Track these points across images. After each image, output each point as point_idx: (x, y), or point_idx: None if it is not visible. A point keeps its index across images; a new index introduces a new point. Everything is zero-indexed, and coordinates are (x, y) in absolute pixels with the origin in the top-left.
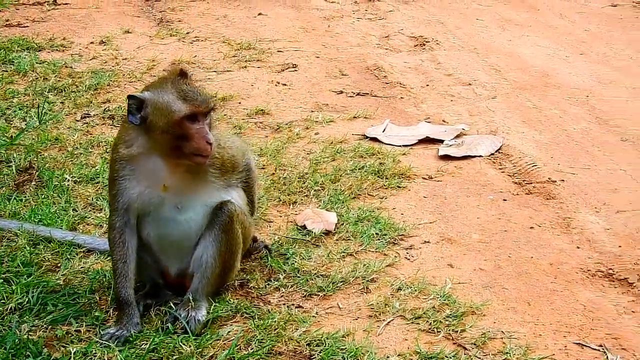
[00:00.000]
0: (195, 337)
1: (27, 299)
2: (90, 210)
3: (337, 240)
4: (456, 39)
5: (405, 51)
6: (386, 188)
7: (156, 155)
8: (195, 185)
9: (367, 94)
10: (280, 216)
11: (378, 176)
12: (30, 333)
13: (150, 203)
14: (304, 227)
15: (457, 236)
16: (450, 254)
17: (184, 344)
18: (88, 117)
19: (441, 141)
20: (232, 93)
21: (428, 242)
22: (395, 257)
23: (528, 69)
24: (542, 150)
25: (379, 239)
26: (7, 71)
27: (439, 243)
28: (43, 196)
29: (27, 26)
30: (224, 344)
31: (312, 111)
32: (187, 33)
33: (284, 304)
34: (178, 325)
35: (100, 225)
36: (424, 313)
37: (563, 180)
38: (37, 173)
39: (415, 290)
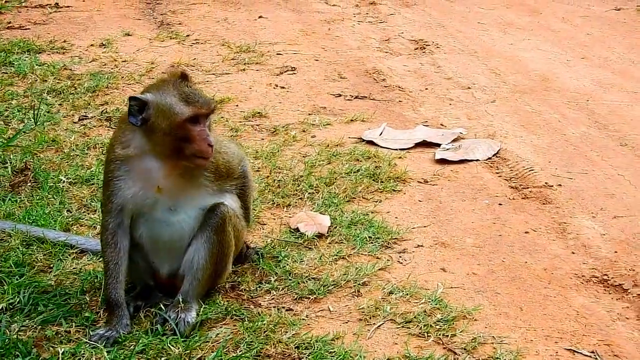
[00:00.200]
0: (184, 339)
1: (18, 299)
2: (84, 212)
3: (330, 243)
4: (457, 43)
5: (405, 54)
6: (381, 191)
7: (153, 156)
8: (188, 188)
9: (366, 97)
10: (274, 219)
11: (373, 179)
12: (20, 333)
13: (144, 204)
14: (297, 229)
15: (451, 240)
16: (443, 258)
17: (172, 346)
18: (85, 119)
19: (438, 145)
20: (229, 96)
21: (421, 246)
22: (388, 260)
23: (528, 72)
24: (540, 155)
25: (372, 243)
26: (6, 73)
27: (432, 247)
28: (38, 197)
29: (28, 28)
30: (213, 346)
31: (309, 114)
32: (187, 36)
33: (274, 307)
34: (167, 327)
35: (94, 227)
36: (415, 317)
37: (560, 185)
38: (32, 174)
39: (407, 294)
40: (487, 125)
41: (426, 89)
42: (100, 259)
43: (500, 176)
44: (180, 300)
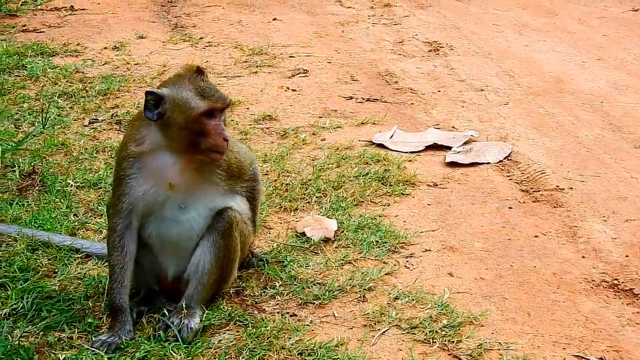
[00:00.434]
0: (186, 345)
1: (21, 305)
2: (91, 216)
3: (336, 247)
4: (471, 44)
5: (419, 57)
6: (390, 195)
7: (168, 152)
8: (200, 186)
9: (377, 99)
10: (281, 223)
11: (382, 183)
12: (22, 339)
13: (155, 202)
14: (304, 234)
15: (459, 244)
16: (451, 263)
17: (174, 352)
18: (96, 122)
19: (449, 148)
20: (240, 98)
21: (429, 250)
22: (395, 265)
23: (543, 74)
24: (552, 158)
25: (378, 247)
26: (19, 76)
27: (440, 251)
28: (45, 201)
29: (43, 31)
30: (215, 352)
31: (320, 117)
32: (200, 38)
33: (279, 312)
34: (170, 333)
35: (100, 231)
36: (420, 323)
37: (571, 188)
38: (39, 178)
39: (413, 299)
40: (499, 128)
41: (439, 91)
42: (105, 264)
43: (511, 179)
44: (184, 305)
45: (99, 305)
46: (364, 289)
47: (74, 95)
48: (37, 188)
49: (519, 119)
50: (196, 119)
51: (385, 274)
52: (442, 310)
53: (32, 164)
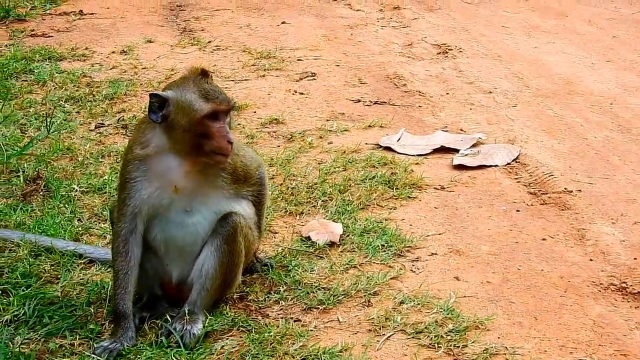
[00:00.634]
0: (188, 351)
1: (23, 311)
2: (95, 221)
3: (341, 252)
4: (480, 47)
5: (428, 59)
6: (396, 198)
7: (172, 154)
8: (205, 189)
9: (385, 102)
10: (286, 227)
11: (388, 186)
12: (23, 346)
13: (161, 205)
14: (309, 238)
15: (466, 248)
16: (457, 267)
17: (176, 359)
18: (102, 126)
19: (457, 150)
20: (247, 102)
21: (435, 254)
22: (400, 269)
23: (552, 76)
24: (561, 160)
25: (384, 251)
26: (26, 81)
27: (446, 255)
28: (49, 206)
29: (51, 36)
30: (218, 358)
31: (327, 120)
32: (209, 42)
33: (283, 318)
34: (172, 339)
35: (104, 236)
36: (426, 327)
37: (580, 191)
38: (44, 183)
39: (418, 303)
40: (508, 130)
41: (447, 93)
42: (109, 269)
43: (519, 182)
44: (187, 311)
45: (102, 311)
46: (369, 294)
47: (81, 100)
48: (41, 193)
49: (528, 121)
50: (200, 121)
51: (391, 278)
52: (448, 314)
53: (37, 169)
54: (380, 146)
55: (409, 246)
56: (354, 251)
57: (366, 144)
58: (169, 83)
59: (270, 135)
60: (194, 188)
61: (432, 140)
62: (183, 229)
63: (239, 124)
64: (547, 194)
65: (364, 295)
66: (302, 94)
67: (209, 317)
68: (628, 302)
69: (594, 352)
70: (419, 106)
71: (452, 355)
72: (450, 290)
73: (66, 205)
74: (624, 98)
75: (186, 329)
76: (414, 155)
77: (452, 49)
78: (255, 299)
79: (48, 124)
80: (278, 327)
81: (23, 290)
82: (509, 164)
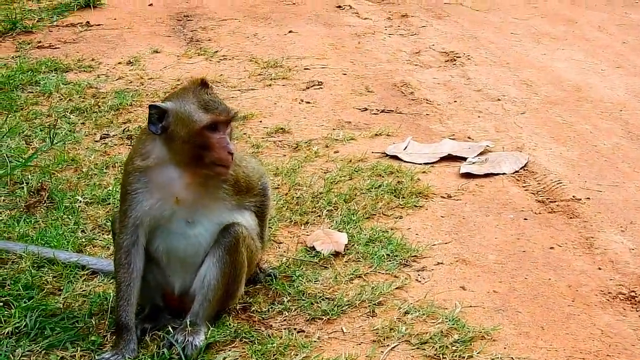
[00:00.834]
0: None
1: (24, 323)
2: (98, 232)
3: (346, 261)
4: (488, 54)
5: (435, 67)
6: (402, 207)
7: (173, 166)
8: (207, 201)
9: (392, 111)
10: (291, 237)
11: (394, 195)
12: (24, 358)
13: (162, 216)
14: (313, 248)
15: (473, 257)
16: (463, 276)
17: None
18: (107, 137)
19: (464, 159)
20: (253, 112)
21: (441, 263)
22: (406, 279)
23: (561, 83)
24: (569, 167)
25: (389, 261)
26: (32, 92)
27: (452, 264)
28: (53, 218)
29: (58, 47)
30: None
31: (333, 129)
32: (215, 52)
33: (286, 329)
34: (174, 351)
35: (108, 247)
36: (431, 338)
37: (588, 198)
38: (48, 195)
39: (424, 313)
40: (516, 138)
41: (455, 101)
42: (111, 281)
43: (526, 190)
44: (189, 322)
45: (104, 322)
46: (374, 304)
47: (86, 111)
48: (45, 205)
49: (536, 129)
50: (199, 132)
51: (396, 288)
52: (453, 324)
53: (41, 181)
54: (387, 155)
55: (415, 255)
56: (358, 261)
57: (372, 152)
58: (168, 94)
59: (275, 144)
60: (195, 199)
61: (439, 149)
62: (185, 240)
63: (244, 134)
64: (555, 202)
65: (369, 306)
66: (308, 102)
67: (211, 328)
68: (637, 311)
69: None
70: (427, 114)
71: None
72: (456, 300)
73: (70, 217)
74: (633, 104)
75: (188, 340)
76: (420, 164)
77: (460, 57)
78: (259, 310)
79: (52, 135)
80: (281, 338)
81: (25, 302)
82: (516, 171)
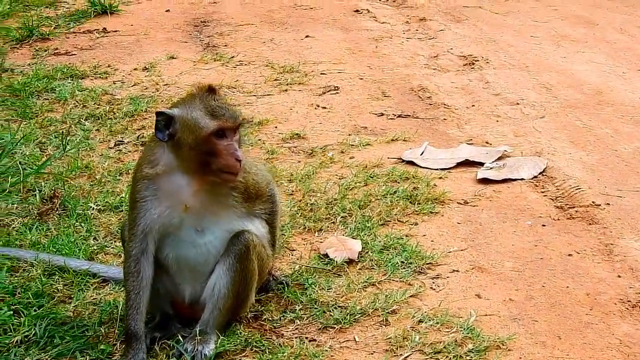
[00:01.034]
0: None
1: (34, 332)
2: (110, 240)
3: (360, 269)
4: (507, 57)
5: (453, 71)
6: (418, 214)
7: (181, 173)
8: (216, 208)
9: (409, 115)
10: (304, 244)
11: (410, 201)
12: None
13: (171, 224)
14: (327, 255)
15: (489, 264)
16: (479, 284)
17: None
18: (121, 144)
19: (481, 164)
20: (269, 117)
21: (457, 271)
22: (420, 287)
23: (581, 86)
24: (589, 172)
25: (404, 268)
26: (48, 99)
27: (468, 272)
28: (65, 225)
29: (74, 54)
30: None
31: (349, 134)
32: (232, 57)
33: (297, 337)
34: None
35: (119, 255)
36: (445, 347)
37: (608, 204)
38: (60, 202)
39: (438, 322)
40: (535, 142)
41: (473, 105)
42: (122, 289)
43: (545, 196)
44: (198, 331)
45: (113, 331)
46: (387, 312)
47: (101, 117)
48: (57, 212)
49: (556, 133)
50: (206, 139)
51: (410, 296)
52: (468, 333)
53: (54, 188)
54: (403, 160)
55: (430, 263)
56: (372, 268)
57: (388, 158)
58: (176, 101)
59: (290, 150)
60: (204, 207)
61: (457, 154)
62: (194, 248)
63: (259, 140)
64: (574, 207)
65: (382, 314)
66: (324, 108)
67: (222, 337)
68: None
69: None
70: (444, 119)
71: None
72: (471, 309)
73: (82, 224)
74: None
75: (197, 349)
76: (437, 170)
77: (478, 60)
78: (270, 318)
79: (64, 142)
80: (292, 347)
81: (35, 311)
82: (535, 177)
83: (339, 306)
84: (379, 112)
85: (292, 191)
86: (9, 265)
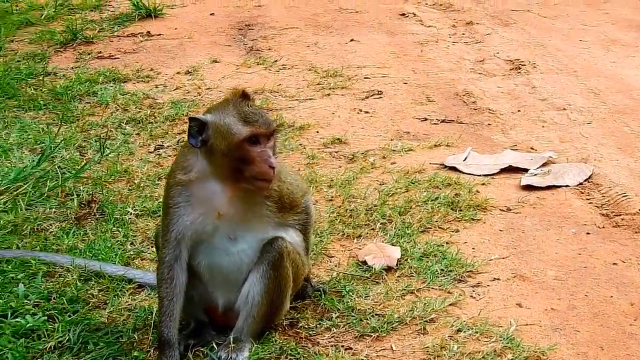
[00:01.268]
0: None
1: (68, 337)
2: (147, 245)
3: (398, 276)
4: (555, 62)
5: (500, 75)
6: (459, 221)
7: (215, 180)
8: (249, 217)
9: (453, 120)
10: (343, 250)
11: (451, 208)
12: None
13: (204, 231)
14: (365, 262)
15: (531, 273)
16: (520, 293)
17: None
18: (161, 148)
19: (526, 170)
20: (310, 122)
21: (498, 279)
22: (460, 295)
23: (630, 91)
24: (636, 179)
25: (443, 276)
26: (89, 103)
27: (509, 280)
28: (102, 230)
29: (117, 58)
30: None
31: (391, 140)
32: (275, 61)
33: (333, 346)
34: None
35: (156, 260)
36: (483, 357)
37: None
38: (98, 206)
39: (477, 332)
40: (581, 149)
41: (518, 111)
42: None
43: (590, 203)
44: (232, 339)
45: (147, 337)
46: (425, 321)
47: (142, 121)
48: (95, 217)
49: (603, 139)
50: (239, 145)
51: (449, 305)
52: (508, 343)
53: (92, 192)
54: (446, 166)
55: (470, 271)
56: (411, 276)
57: (431, 164)
58: (210, 106)
59: (331, 155)
60: (237, 215)
61: (500, 160)
62: (228, 256)
63: (300, 144)
64: (620, 215)
65: (420, 323)
66: (367, 112)
67: (256, 345)
68: None
69: None
70: (488, 124)
71: None
72: (512, 318)
73: (119, 229)
74: None
75: (231, 357)
76: (480, 176)
77: (525, 65)
78: (306, 326)
79: (102, 147)
80: (328, 355)
81: (69, 316)
82: (580, 184)
83: (376, 314)
84: (422, 117)
85: (332, 197)
86: (45, 270)
